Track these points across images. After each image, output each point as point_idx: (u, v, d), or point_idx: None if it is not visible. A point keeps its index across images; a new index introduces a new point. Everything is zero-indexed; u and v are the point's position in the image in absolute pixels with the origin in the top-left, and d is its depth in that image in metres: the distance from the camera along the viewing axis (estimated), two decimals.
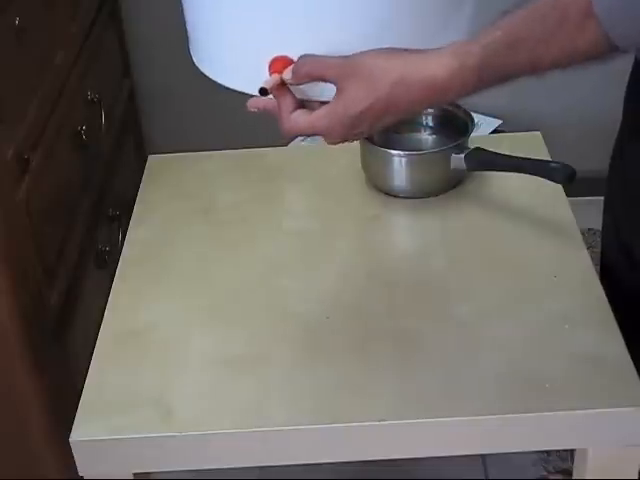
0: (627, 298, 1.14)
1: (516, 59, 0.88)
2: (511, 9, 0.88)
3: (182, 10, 1.06)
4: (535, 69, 0.88)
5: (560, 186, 1.28)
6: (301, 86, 0.96)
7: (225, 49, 1.02)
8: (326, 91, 0.95)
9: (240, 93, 0.99)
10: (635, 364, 1.04)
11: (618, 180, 1.17)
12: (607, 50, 0.84)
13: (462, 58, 0.89)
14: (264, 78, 0.96)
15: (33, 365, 1.42)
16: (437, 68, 0.90)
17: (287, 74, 0.96)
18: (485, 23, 0.90)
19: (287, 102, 0.97)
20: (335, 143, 0.98)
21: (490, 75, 0.89)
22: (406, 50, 0.92)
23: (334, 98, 0.94)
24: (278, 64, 0.96)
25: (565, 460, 1.82)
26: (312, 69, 0.94)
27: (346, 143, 0.99)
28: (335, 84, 0.93)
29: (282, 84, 0.96)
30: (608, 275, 1.19)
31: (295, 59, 0.95)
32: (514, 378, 1.04)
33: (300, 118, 0.96)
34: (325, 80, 0.94)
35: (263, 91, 0.96)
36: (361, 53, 0.93)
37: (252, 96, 0.98)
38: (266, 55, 0.97)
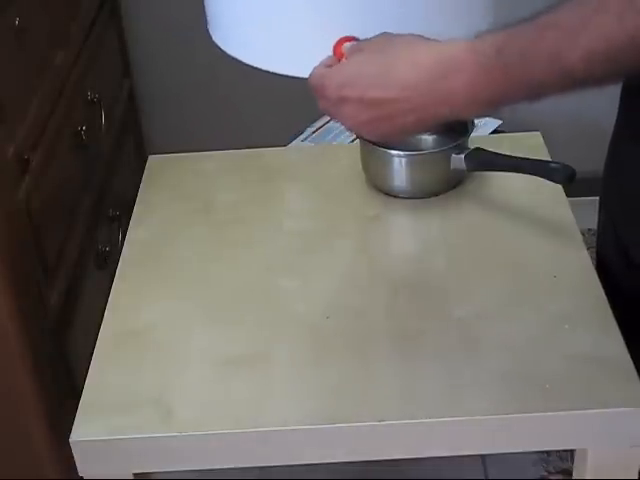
0: (624, 296, 1.14)
1: (542, 41, 0.80)
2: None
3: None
4: (562, 59, 0.80)
5: (560, 186, 1.28)
6: None
7: (256, 28, 1.00)
8: None
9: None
10: (635, 364, 1.04)
11: (613, 180, 1.16)
12: None
13: (481, 35, 0.85)
14: (299, 58, 0.97)
15: (33, 365, 1.42)
16: (449, 44, 0.87)
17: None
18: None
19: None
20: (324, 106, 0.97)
21: (512, 57, 0.82)
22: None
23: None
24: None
25: (565, 460, 1.83)
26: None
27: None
28: None
29: None
30: (604, 273, 1.19)
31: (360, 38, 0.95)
32: (514, 378, 1.04)
33: (318, 68, 0.97)
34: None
35: None
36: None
37: (285, 76, 0.98)
38: (301, 34, 0.96)
